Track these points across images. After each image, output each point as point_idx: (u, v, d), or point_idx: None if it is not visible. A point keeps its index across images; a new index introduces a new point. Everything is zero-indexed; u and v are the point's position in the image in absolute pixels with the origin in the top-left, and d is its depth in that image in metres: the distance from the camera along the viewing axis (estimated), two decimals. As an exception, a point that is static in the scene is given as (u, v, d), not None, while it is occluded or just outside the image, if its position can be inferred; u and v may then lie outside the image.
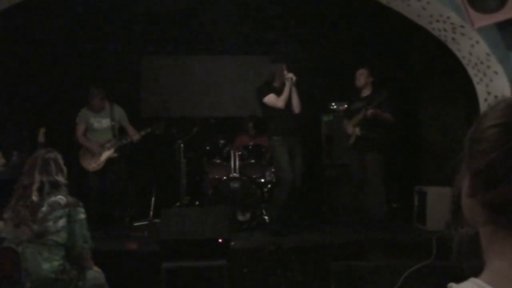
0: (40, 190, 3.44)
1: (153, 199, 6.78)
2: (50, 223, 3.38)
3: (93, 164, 6.00)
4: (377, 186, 5.91)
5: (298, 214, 6.64)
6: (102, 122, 6.11)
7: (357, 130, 5.99)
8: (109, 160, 6.05)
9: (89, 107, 6.11)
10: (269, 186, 6.63)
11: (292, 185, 5.79)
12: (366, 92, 6.11)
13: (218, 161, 6.81)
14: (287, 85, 5.83)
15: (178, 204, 6.66)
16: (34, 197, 3.41)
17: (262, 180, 6.64)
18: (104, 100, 6.12)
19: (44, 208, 3.40)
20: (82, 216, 3.52)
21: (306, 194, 7.16)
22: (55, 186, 3.49)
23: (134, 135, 6.13)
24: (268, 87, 5.96)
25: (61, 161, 3.63)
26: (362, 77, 6.08)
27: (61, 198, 3.45)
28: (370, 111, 5.81)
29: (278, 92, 5.87)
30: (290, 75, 5.85)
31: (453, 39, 4.85)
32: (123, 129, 6.26)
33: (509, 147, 0.81)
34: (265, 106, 5.93)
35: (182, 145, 6.77)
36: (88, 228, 3.60)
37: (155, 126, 6.26)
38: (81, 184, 5.99)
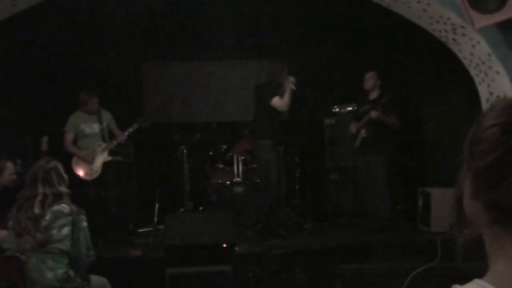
0: (43, 201, 3.44)
1: (157, 205, 6.78)
2: (54, 232, 3.38)
3: (90, 172, 5.83)
4: (381, 188, 5.91)
5: (302, 217, 6.63)
6: (93, 127, 5.96)
7: (363, 132, 6.01)
8: (105, 164, 5.90)
9: (85, 111, 5.94)
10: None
11: (276, 190, 5.78)
12: (374, 95, 6.13)
13: (221, 166, 6.82)
14: (289, 89, 5.78)
15: (182, 209, 6.66)
16: (37, 209, 3.40)
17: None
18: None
19: (47, 217, 3.40)
20: (85, 224, 3.53)
21: (310, 197, 7.17)
22: (58, 197, 3.49)
23: (120, 136, 6.01)
24: (272, 88, 5.87)
25: (61, 170, 3.63)
26: (371, 80, 6.09)
27: (64, 206, 3.45)
28: (373, 113, 5.84)
29: (279, 93, 5.82)
30: (293, 79, 5.82)
31: (454, 39, 4.85)
32: (111, 132, 6.12)
33: (509, 146, 0.81)
34: (265, 108, 5.81)
35: (185, 150, 6.78)
36: (90, 236, 3.61)
37: (142, 121, 6.09)
38: (78, 192, 5.94)
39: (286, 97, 5.81)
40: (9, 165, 4.78)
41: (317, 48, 7.63)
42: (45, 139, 5.96)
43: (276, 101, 5.79)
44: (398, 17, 5.16)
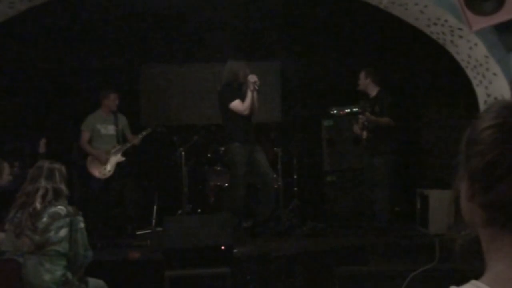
0: (44, 197, 3.45)
1: (155, 207, 6.78)
2: (52, 233, 3.38)
3: (103, 171, 6.00)
4: (381, 189, 5.92)
5: (300, 219, 6.64)
6: (109, 129, 6.14)
7: (364, 134, 6.04)
8: (117, 165, 6.06)
9: (106, 107, 6.12)
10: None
11: (244, 192, 5.70)
12: (372, 93, 6.11)
13: (219, 168, 6.82)
14: (250, 90, 5.53)
15: (180, 212, 6.66)
16: (38, 204, 3.41)
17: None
18: None
19: (44, 219, 3.39)
20: (82, 225, 3.53)
21: (308, 199, 7.17)
22: (58, 194, 3.50)
23: (134, 139, 6.19)
24: (232, 90, 5.67)
25: (64, 172, 3.65)
26: (360, 80, 6.10)
27: (61, 208, 3.45)
28: (362, 118, 5.91)
29: (242, 95, 5.60)
30: (254, 79, 5.53)
31: (451, 41, 4.86)
32: (124, 136, 6.30)
33: (505, 147, 0.81)
34: (228, 112, 5.63)
35: (183, 153, 6.77)
36: (88, 237, 3.61)
37: (155, 125, 6.39)
38: (85, 192, 6.04)
39: (247, 100, 5.54)
40: (6, 166, 4.79)
41: (315, 50, 7.64)
42: (43, 142, 5.96)
43: (236, 105, 5.56)
44: (396, 19, 5.17)
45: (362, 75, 6.09)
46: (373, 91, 6.09)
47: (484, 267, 0.86)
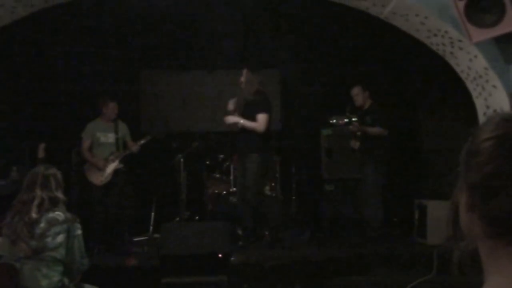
0: (40, 206, 3.42)
1: (152, 214, 6.76)
2: (49, 239, 3.36)
3: (100, 178, 6.00)
4: (373, 198, 5.97)
5: (298, 228, 6.62)
6: (108, 136, 6.16)
7: (357, 144, 6.15)
8: (115, 172, 6.06)
9: (105, 115, 6.14)
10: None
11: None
12: (365, 106, 6.29)
13: (218, 175, 6.81)
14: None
15: (178, 219, 6.64)
16: (34, 214, 3.38)
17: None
18: None
19: (42, 225, 3.38)
20: (79, 231, 3.51)
21: (306, 208, 7.16)
22: (54, 202, 3.48)
23: (133, 146, 6.21)
24: None
25: (60, 177, 3.62)
26: (358, 96, 6.26)
27: (58, 214, 3.43)
28: (350, 127, 6.10)
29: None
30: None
31: (451, 53, 4.88)
32: (125, 143, 6.31)
33: (505, 159, 0.82)
34: None
35: (182, 159, 6.77)
36: (85, 244, 3.60)
37: (156, 132, 6.43)
38: (85, 199, 6.04)
39: None
40: None
41: (314, 59, 7.66)
42: (42, 146, 5.96)
43: None
44: (397, 29, 5.19)
45: (358, 90, 6.24)
46: (366, 104, 6.27)
47: (482, 279, 0.86)
